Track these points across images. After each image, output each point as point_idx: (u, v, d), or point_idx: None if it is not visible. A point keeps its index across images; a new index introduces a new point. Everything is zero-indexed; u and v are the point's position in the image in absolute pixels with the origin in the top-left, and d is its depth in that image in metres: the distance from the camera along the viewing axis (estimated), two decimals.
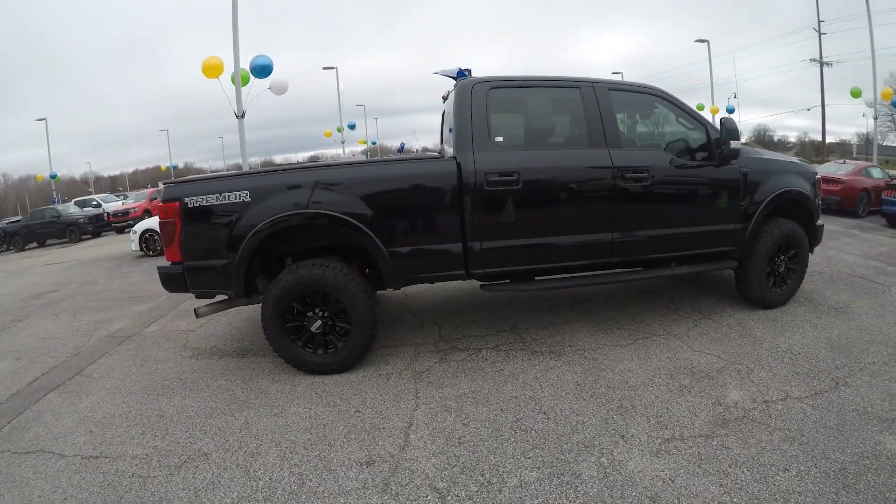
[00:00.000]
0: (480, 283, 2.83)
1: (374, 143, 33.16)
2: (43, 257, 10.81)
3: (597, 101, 2.79)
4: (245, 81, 6.89)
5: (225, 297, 2.86)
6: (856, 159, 16.14)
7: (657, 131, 3.32)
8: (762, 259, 3.16)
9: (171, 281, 2.62)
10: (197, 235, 2.55)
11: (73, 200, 19.13)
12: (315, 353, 2.63)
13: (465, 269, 2.67)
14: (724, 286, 3.87)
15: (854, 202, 8.08)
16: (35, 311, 4.95)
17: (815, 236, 3.37)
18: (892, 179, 8.38)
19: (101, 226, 13.95)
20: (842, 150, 26.22)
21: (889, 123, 24.54)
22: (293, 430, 2.08)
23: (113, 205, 16.14)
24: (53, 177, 25.51)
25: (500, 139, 2.74)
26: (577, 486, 1.63)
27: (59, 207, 15.71)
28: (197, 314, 2.85)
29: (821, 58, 20.19)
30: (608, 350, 2.82)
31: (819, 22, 18.99)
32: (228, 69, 6.69)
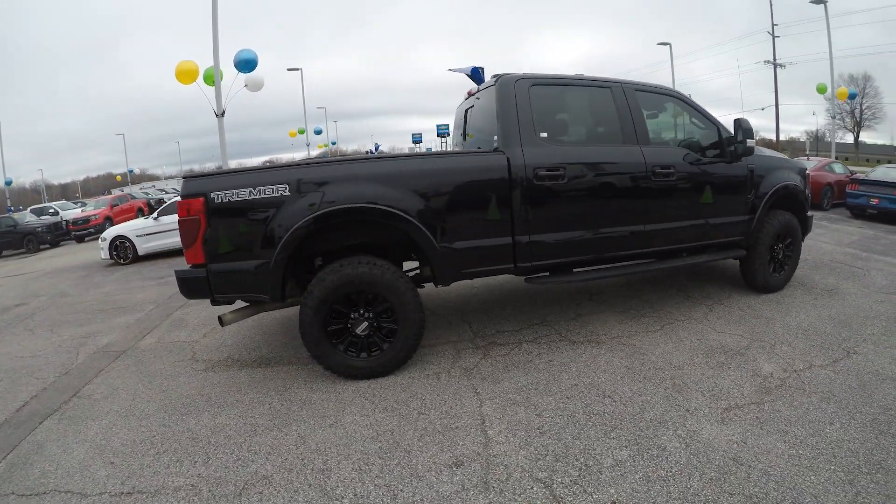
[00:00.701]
0: (525, 276, 3.00)
1: (333, 144, 34.34)
2: (1, 269, 10.03)
3: (626, 100, 3.09)
4: (219, 80, 6.88)
5: (247, 302, 2.78)
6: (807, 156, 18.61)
7: (675, 130, 3.71)
8: (765, 247, 3.67)
9: (192, 286, 2.51)
10: (225, 234, 2.45)
11: (30, 208, 18.85)
12: (358, 356, 2.61)
13: (513, 262, 2.80)
14: (721, 274, 4.40)
15: (819, 196, 9.26)
16: (5, 327, 4.57)
17: (806, 226, 3.97)
18: (853, 174, 9.85)
19: (59, 235, 13.64)
20: (792, 147, 29.93)
21: (838, 122, 28.41)
22: (358, 440, 2.06)
23: (71, 212, 16.02)
24: (9, 183, 24.37)
25: (545, 134, 2.91)
26: (667, 458, 1.85)
27: (16, 216, 15.35)
28: (222, 322, 2.70)
29: (774, 60, 22.96)
30: (642, 336, 3.12)
31: (773, 26, 21.65)
32: (203, 73, 6.77)
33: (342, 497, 1.72)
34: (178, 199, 2.48)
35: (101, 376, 3.05)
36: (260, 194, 2.41)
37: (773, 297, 3.80)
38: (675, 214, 3.23)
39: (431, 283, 2.94)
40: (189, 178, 2.56)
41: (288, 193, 2.42)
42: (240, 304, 2.82)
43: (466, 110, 3.67)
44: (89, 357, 3.44)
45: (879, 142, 37.26)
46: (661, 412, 2.19)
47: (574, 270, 3.10)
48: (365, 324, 2.57)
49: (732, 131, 3.28)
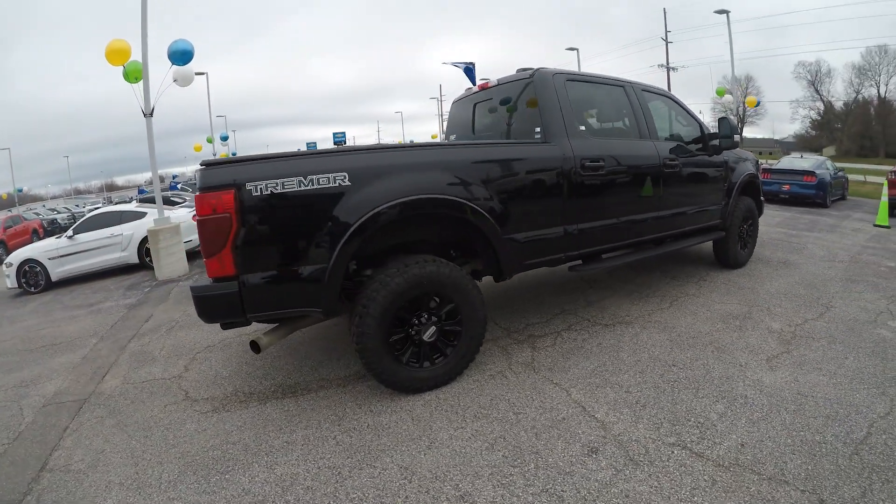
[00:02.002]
0: (570, 265, 3.30)
1: (234, 155, 33.79)
2: None
3: (637, 98, 3.70)
4: (138, 77, 6.55)
5: (274, 321, 2.52)
6: None
7: (669, 126, 4.45)
8: (736, 228, 4.66)
9: (217, 306, 2.20)
10: (266, 236, 2.20)
11: None
12: (421, 366, 2.55)
13: (563, 251, 3.07)
14: (686, 257, 5.38)
15: None
16: None
17: (761, 209, 5.13)
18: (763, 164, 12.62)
19: None
20: None
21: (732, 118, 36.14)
22: (474, 455, 2.01)
23: None
24: None
25: (583, 128, 3.26)
26: (753, 403, 2.30)
27: None
28: (259, 347, 2.39)
29: (667, 63, 28.09)
30: (660, 313, 3.70)
31: (666, 32, 26.62)
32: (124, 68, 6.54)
33: None
34: (197, 193, 2.14)
35: (69, 437, 2.47)
36: (313, 184, 2.21)
37: (742, 272, 4.81)
38: (679, 202, 3.91)
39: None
40: (213, 164, 2.23)
41: (348, 183, 2.27)
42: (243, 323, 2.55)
43: (475, 104, 3.90)
44: (40, 412, 2.91)
45: (760, 136, 48.45)
46: (723, 370, 2.68)
47: (602, 257, 3.52)
48: (433, 328, 2.51)
49: (717, 129, 4.11)
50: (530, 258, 2.91)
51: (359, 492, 1.85)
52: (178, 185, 19.48)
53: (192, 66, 7.13)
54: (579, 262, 3.37)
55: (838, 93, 43.68)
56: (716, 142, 4.13)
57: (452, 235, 2.87)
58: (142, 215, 7.93)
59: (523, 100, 3.26)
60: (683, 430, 2.11)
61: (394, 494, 1.81)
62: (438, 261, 2.49)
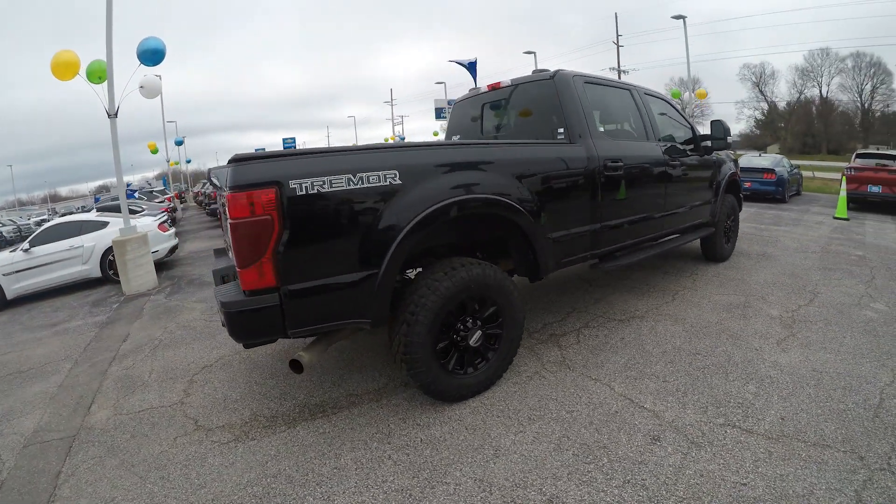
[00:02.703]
0: (591, 263, 3.54)
1: (188, 162, 35.46)
2: None
3: (642, 101, 4.08)
4: (102, 77, 6.28)
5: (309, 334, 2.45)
6: None
7: (667, 128, 4.88)
8: (723, 224, 5.20)
9: (255, 321, 2.08)
10: (312, 240, 2.13)
11: None
12: (466, 373, 2.65)
13: (590, 249, 3.31)
14: (671, 254, 5.88)
15: None
16: None
17: (740, 205, 5.74)
18: None
19: None
20: None
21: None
22: (545, 457, 2.12)
23: None
24: None
25: (602, 129, 3.53)
26: (778, 382, 2.65)
27: None
28: (302, 365, 2.32)
29: (618, 66, 30.08)
30: (666, 307, 4.08)
31: (618, 36, 28.55)
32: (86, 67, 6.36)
33: None
34: (228, 192, 2.00)
35: (65, 484, 2.27)
36: (362, 183, 2.19)
37: (728, 265, 5.37)
38: (680, 200, 4.33)
39: None
40: (248, 159, 2.09)
41: (399, 182, 2.28)
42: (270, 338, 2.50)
43: (484, 105, 4.10)
44: (22, 455, 2.64)
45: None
46: (742, 355, 3.04)
47: (616, 255, 3.83)
48: (479, 332, 2.61)
49: (710, 131, 4.59)
50: (563, 257, 3.12)
51: None
52: (136, 194, 18.25)
53: (160, 71, 6.90)
54: (596, 260, 3.65)
55: (782, 93, 48.89)
56: (707, 143, 4.61)
57: (485, 236, 3.02)
58: (103, 225, 7.62)
59: (542, 100, 3.49)
60: (728, 410, 2.41)
61: None
62: (483, 263, 2.62)
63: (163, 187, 25.81)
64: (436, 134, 43.28)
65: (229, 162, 2.14)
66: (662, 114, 4.47)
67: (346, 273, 2.22)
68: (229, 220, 2.04)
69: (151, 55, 6.35)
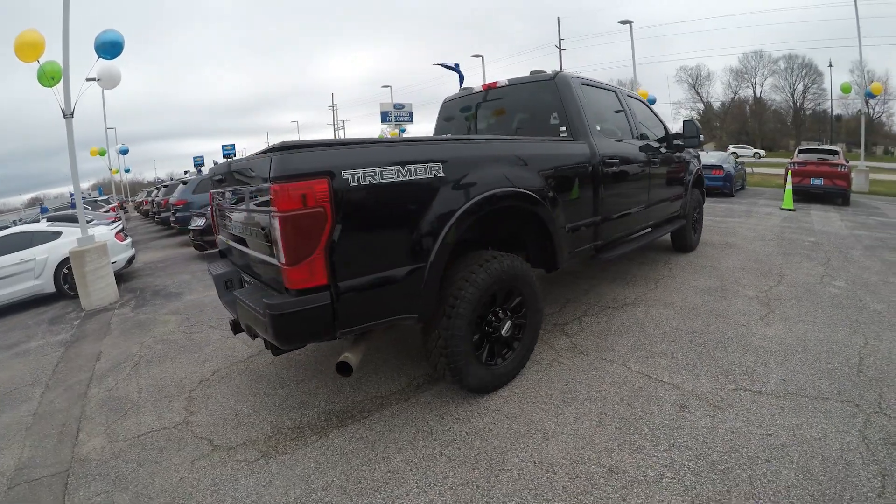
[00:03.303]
0: (591, 255, 3.83)
1: (127, 171, 36.04)
2: None
3: (625, 102, 4.49)
4: (56, 77, 6.06)
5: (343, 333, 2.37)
6: None
7: (645, 128, 5.33)
8: (691, 217, 5.79)
9: (304, 324, 2.02)
10: (364, 234, 2.14)
11: None
12: (496, 364, 2.79)
13: (593, 241, 3.61)
14: (642, 246, 6.46)
15: None
16: None
17: (703, 198, 6.40)
18: None
19: None
20: None
21: None
22: (591, 434, 2.31)
23: None
24: None
25: (599, 128, 3.84)
26: (772, 351, 3.07)
27: None
28: (351, 367, 2.31)
29: (560, 70, 31.94)
30: (653, 293, 4.50)
31: (560, 40, 30.26)
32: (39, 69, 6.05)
33: (674, 471, 2.02)
34: (273, 183, 1.94)
35: None
36: (410, 175, 2.25)
37: (697, 254, 5.99)
38: (660, 195, 4.80)
39: None
40: (297, 147, 2.05)
41: (442, 174, 2.38)
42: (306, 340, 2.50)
43: (478, 104, 4.32)
44: (9, 498, 2.42)
45: None
46: (734, 331, 3.46)
47: (611, 246, 4.17)
48: (510, 323, 2.78)
49: (682, 130, 5.11)
50: (574, 248, 3.39)
51: (512, 498, 1.96)
52: None
53: (116, 65, 6.54)
54: (593, 252, 3.98)
55: (717, 94, 53.99)
56: (679, 141, 5.14)
57: (503, 230, 3.18)
58: (56, 235, 7.15)
59: (542, 100, 3.76)
60: (736, 378, 2.77)
61: (549, 490, 1.98)
62: (510, 255, 2.80)
63: (99, 198, 25.29)
64: (381, 137, 45.37)
65: (271, 150, 2.11)
66: (641, 113, 4.93)
67: (396, 267, 2.24)
68: (277, 214, 1.95)
69: (110, 48, 6.17)
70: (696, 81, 53.31)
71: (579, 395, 2.69)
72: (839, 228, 7.67)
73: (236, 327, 2.98)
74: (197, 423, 2.88)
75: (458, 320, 2.46)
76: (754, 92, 50.84)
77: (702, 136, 5.18)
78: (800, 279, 4.70)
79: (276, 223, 1.96)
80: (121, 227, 8.63)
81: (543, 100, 3.75)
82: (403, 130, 43.81)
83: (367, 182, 2.13)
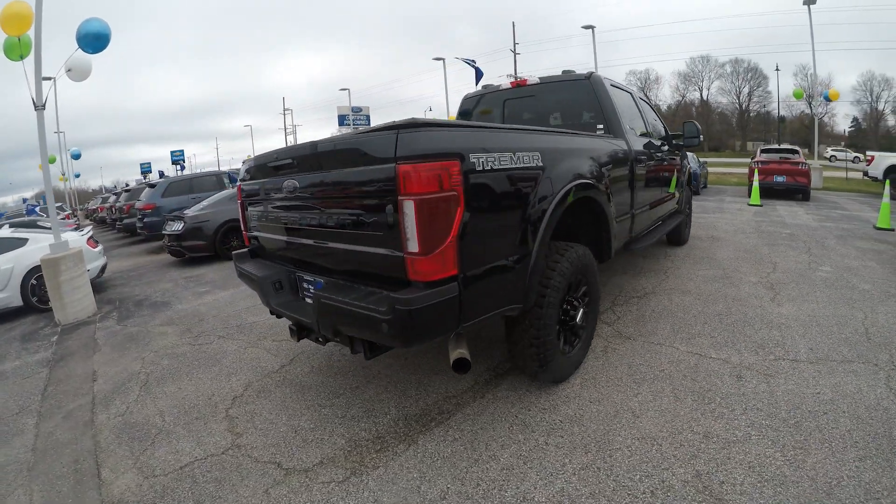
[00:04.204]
0: (624, 247, 4.22)
1: (77, 176, 35.52)
2: None
3: (638, 103, 5.00)
4: (25, 52, 5.71)
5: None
6: None
7: (656, 128, 5.84)
8: (686, 211, 6.43)
9: (436, 318, 1.98)
10: (486, 220, 2.15)
11: None
12: (569, 353, 3.03)
13: (629, 234, 4.02)
14: None
15: None
16: None
17: (691, 195, 7.10)
18: None
19: None
20: None
21: None
22: (675, 408, 2.65)
23: None
24: None
25: (629, 126, 4.26)
26: (790, 326, 3.61)
27: None
28: (469, 363, 2.27)
29: (515, 73, 33.09)
30: (668, 282, 5.03)
31: (515, 44, 31.40)
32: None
33: (756, 429, 2.39)
34: (405, 163, 1.85)
35: None
36: (520, 161, 2.35)
37: (689, 247, 6.66)
38: (667, 191, 5.34)
39: None
40: (426, 125, 1.99)
41: (541, 164, 2.53)
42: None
43: (505, 100, 4.67)
44: None
45: None
46: (753, 312, 4.01)
47: (639, 238, 4.63)
48: (582, 311, 3.05)
49: (683, 131, 5.69)
50: (619, 240, 3.80)
51: (635, 472, 2.15)
52: (37, 209, 15.46)
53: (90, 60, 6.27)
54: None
55: (665, 97, 57.43)
56: (679, 141, 5.73)
57: (563, 221, 3.50)
58: (22, 242, 6.72)
59: (576, 98, 4.17)
60: (771, 350, 3.27)
61: (663, 459, 2.22)
62: (580, 245, 3.06)
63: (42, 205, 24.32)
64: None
65: (390, 128, 2.03)
66: (648, 114, 5.48)
67: (508, 256, 2.31)
68: (412, 197, 1.87)
69: (94, 40, 5.82)
70: (644, 85, 56.55)
71: (646, 376, 3.07)
72: (808, 221, 8.66)
73: (300, 332, 2.89)
74: (251, 446, 2.70)
75: (549, 309, 2.62)
76: (701, 95, 54.68)
77: (701, 137, 5.78)
78: (791, 266, 5.38)
79: (410, 207, 1.87)
80: (91, 232, 8.22)
81: (578, 98, 4.16)
82: None
83: (489, 167, 2.17)
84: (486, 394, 3.00)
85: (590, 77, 4.12)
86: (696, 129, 5.60)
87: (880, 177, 12.95)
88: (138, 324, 5.44)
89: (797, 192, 11.86)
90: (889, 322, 3.63)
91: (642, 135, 4.82)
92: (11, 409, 3.62)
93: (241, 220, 3.49)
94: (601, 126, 4.02)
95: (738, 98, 52.72)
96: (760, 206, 10.73)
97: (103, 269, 7.74)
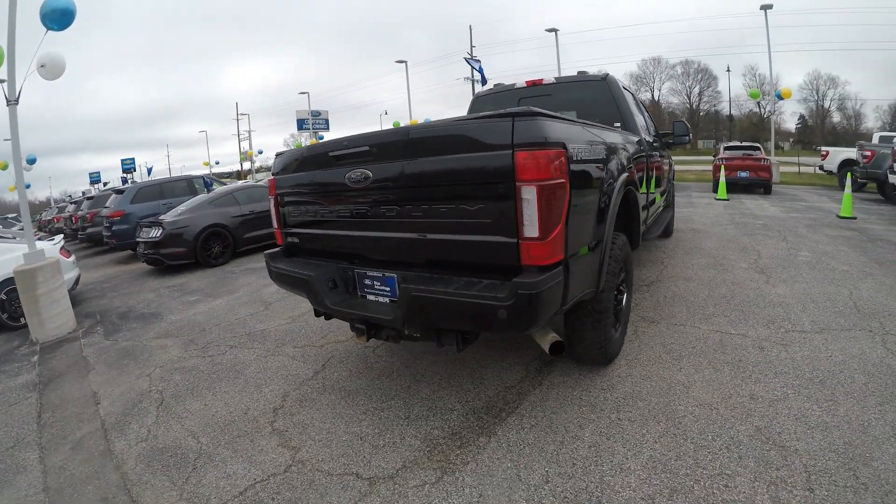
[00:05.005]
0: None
1: (28, 187, 32.74)
2: None
3: (638, 103, 5.48)
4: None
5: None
6: None
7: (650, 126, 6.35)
8: (672, 206, 7.03)
9: (548, 302, 2.09)
10: (581, 207, 2.34)
11: None
12: (616, 335, 3.30)
13: (645, 223, 4.43)
14: None
15: None
16: None
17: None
18: None
19: None
20: None
21: None
22: (720, 378, 3.04)
23: None
24: None
25: (641, 124, 4.71)
26: (789, 303, 4.15)
27: None
28: (564, 346, 2.63)
29: (472, 76, 34.10)
30: (669, 271, 5.55)
31: (471, 48, 32.22)
32: None
33: (792, 389, 2.80)
34: (523, 150, 1.97)
35: None
36: (596, 154, 2.59)
37: (675, 238, 7.29)
38: (662, 185, 5.87)
39: None
40: (538, 116, 2.07)
41: (605, 155, 2.79)
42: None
43: (520, 99, 5.01)
44: None
45: None
46: (753, 294, 4.54)
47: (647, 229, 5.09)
48: (626, 295, 3.39)
49: (673, 130, 6.24)
50: (641, 230, 4.21)
51: (706, 434, 2.46)
52: None
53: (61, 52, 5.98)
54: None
55: None
56: (669, 139, 6.29)
57: None
58: None
59: (593, 98, 4.56)
60: (779, 324, 3.77)
61: (723, 420, 2.56)
62: (621, 234, 3.32)
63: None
64: (298, 145, 45.99)
65: (501, 116, 2.12)
66: (647, 113, 6.00)
67: (591, 242, 2.53)
68: (534, 183, 1.99)
69: (60, 16, 5.55)
70: None
71: (681, 352, 3.47)
72: (776, 213, 9.56)
73: (368, 332, 2.85)
74: (315, 459, 2.61)
75: (609, 293, 2.88)
76: (653, 95, 57.59)
77: (690, 136, 6.35)
78: (773, 253, 6.03)
79: (531, 193, 1.99)
80: (62, 242, 7.70)
81: (594, 97, 4.56)
82: (321, 138, 43.85)
83: (580, 157, 2.39)
84: (542, 381, 3.21)
85: (606, 78, 4.56)
86: (685, 128, 6.16)
87: (835, 170, 14.35)
88: (130, 338, 5.23)
89: (759, 186, 12.97)
90: (872, 296, 4.25)
91: (645, 132, 5.31)
92: (4, 442, 3.25)
93: (273, 217, 3.41)
94: (618, 124, 4.44)
95: (689, 98, 56.19)
96: (728, 199, 11.68)
97: (77, 280, 7.35)
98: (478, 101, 5.40)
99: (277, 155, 3.42)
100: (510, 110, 2.11)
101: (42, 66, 5.78)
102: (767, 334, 3.61)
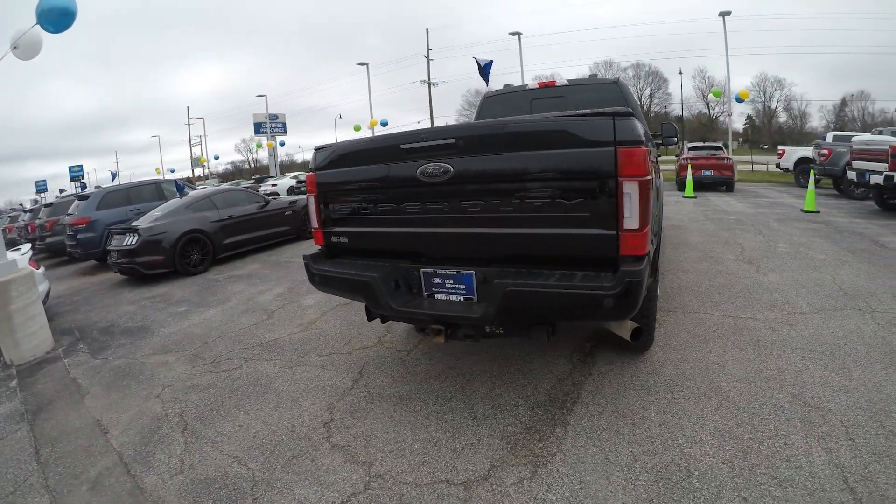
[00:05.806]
0: None
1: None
2: None
3: (634, 104, 6.00)
4: None
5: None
6: None
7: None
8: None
9: (642, 290, 2.26)
10: (654, 200, 2.57)
11: None
12: None
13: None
14: None
15: None
16: None
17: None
18: None
19: None
20: None
21: None
22: (748, 357, 3.46)
23: None
24: None
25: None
26: (784, 289, 4.75)
27: None
28: (642, 331, 2.96)
29: (429, 79, 34.75)
30: (665, 266, 6.09)
31: (428, 51, 33.01)
32: None
33: (811, 360, 3.23)
34: (627, 147, 2.18)
35: None
36: (654, 154, 3.12)
37: (664, 235, 7.85)
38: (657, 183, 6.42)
39: None
40: (631, 116, 2.25)
41: (656, 156, 3.30)
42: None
43: (532, 100, 5.35)
44: None
45: None
46: (749, 282, 5.12)
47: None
48: (657, 284, 3.73)
49: (661, 131, 6.82)
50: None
51: (753, 403, 2.86)
52: None
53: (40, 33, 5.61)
54: None
55: None
56: (659, 140, 6.87)
57: None
58: None
59: (604, 99, 4.97)
60: (781, 307, 4.32)
61: (764, 391, 2.96)
62: None
63: None
64: (259, 146, 46.69)
65: (598, 115, 2.29)
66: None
67: (655, 233, 2.95)
68: (636, 179, 2.19)
69: (59, 15, 5.24)
70: None
71: (706, 336, 3.92)
72: (744, 209, 10.47)
73: (447, 333, 2.90)
74: (395, 472, 2.55)
75: (655, 283, 3.39)
76: None
77: (678, 137, 6.96)
78: (754, 245, 6.72)
79: (633, 188, 2.19)
80: (30, 252, 7.15)
81: (606, 98, 4.97)
82: (283, 144, 43.32)
83: (652, 156, 2.88)
84: (592, 371, 3.46)
85: (617, 81, 5.03)
86: (673, 129, 6.74)
87: (791, 168, 15.73)
88: (122, 355, 4.85)
89: (722, 184, 14.09)
90: (853, 280, 4.93)
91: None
92: (2, 487, 2.81)
93: (313, 215, 3.27)
94: None
95: (640, 100, 58.96)
96: (695, 197, 12.65)
97: (48, 294, 6.76)
98: (487, 102, 5.67)
99: (317, 149, 3.23)
100: (609, 110, 2.30)
101: (15, 48, 5.45)
102: (774, 317, 4.15)
